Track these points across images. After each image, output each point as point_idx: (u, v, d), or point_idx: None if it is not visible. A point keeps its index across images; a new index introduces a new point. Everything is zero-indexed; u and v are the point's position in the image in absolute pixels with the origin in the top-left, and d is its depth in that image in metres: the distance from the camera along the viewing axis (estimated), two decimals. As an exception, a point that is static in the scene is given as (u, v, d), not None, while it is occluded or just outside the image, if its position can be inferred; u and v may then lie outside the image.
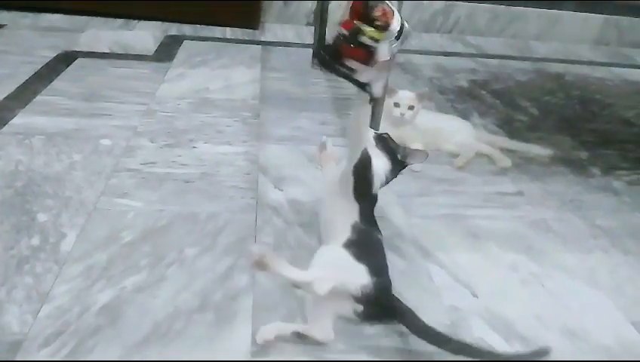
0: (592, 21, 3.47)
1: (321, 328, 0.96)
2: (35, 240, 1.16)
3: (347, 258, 0.99)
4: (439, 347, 0.93)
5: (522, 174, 1.68)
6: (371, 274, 0.97)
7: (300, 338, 0.96)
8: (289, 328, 0.96)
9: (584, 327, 1.08)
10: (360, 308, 0.96)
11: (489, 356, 0.94)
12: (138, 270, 1.10)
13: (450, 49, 3.05)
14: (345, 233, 1.04)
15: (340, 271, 0.97)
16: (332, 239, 1.05)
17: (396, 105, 1.65)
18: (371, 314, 0.96)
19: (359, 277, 0.97)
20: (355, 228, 1.05)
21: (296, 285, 0.97)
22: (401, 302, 0.98)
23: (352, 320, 0.97)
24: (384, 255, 1.06)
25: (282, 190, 1.45)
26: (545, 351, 0.93)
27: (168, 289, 1.06)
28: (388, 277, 1.02)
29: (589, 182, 1.69)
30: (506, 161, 1.71)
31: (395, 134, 1.67)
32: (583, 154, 1.88)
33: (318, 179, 1.50)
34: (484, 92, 2.39)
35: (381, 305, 0.97)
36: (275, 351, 0.95)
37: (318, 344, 0.96)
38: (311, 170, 1.57)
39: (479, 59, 2.91)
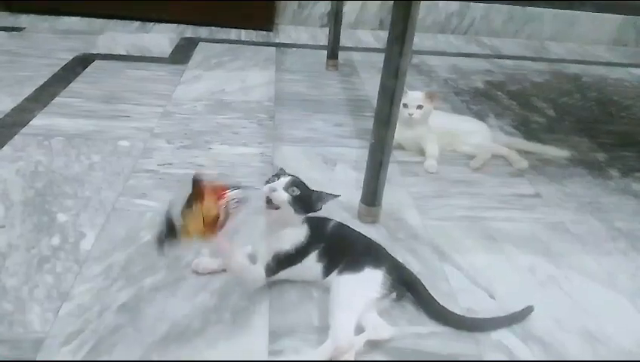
0: (610, 21, 3.43)
1: (381, 327, 0.99)
2: (56, 240, 1.18)
3: (348, 285, 1.02)
4: (439, 321, 1.04)
5: (539, 176, 1.67)
6: (375, 266, 1.04)
7: (371, 344, 0.97)
8: (360, 342, 0.96)
9: (603, 330, 1.07)
10: (393, 295, 1.04)
11: (481, 322, 1.05)
12: (156, 270, 1.11)
13: (466, 50, 3.03)
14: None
15: (354, 304, 0.99)
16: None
17: (405, 105, 1.63)
18: (402, 291, 1.07)
19: (372, 282, 1.02)
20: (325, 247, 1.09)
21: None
22: (411, 272, 1.10)
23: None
24: (356, 236, 1.13)
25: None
26: (529, 310, 1.07)
27: (186, 289, 1.07)
28: (383, 251, 1.11)
29: (608, 184, 1.67)
30: (523, 163, 1.70)
31: (410, 136, 1.69)
32: (601, 156, 1.86)
33: (333, 181, 1.52)
34: (499, 93, 2.38)
35: (405, 281, 1.07)
36: (291, 351, 0.95)
37: (386, 341, 0.98)
38: (326, 171, 1.57)
39: (495, 60, 2.89)
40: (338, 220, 1.16)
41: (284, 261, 1.04)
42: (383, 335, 0.98)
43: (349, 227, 1.16)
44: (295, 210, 1.03)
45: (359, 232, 1.16)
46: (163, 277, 1.09)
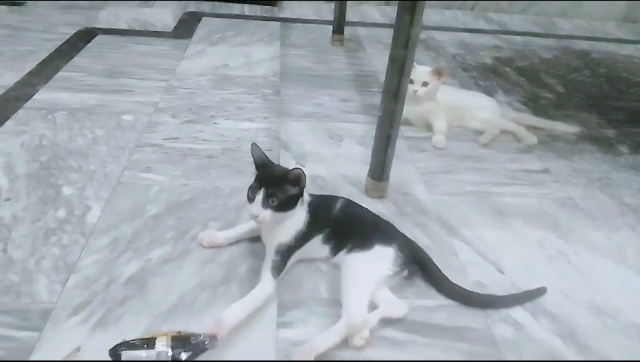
0: (619, -2, 3.36)
1: (395, 304, 0.99)
2: (61, 213, 1.17)
3: (359, 263, 1.01)
4: (451, 299, 1.03)
5: (548, 152, 1.65)
6: (386, 244, 1.03)
7: (385, 321, 0.97)
8: (374, 319, 0.95)
9: (612, 304, 1.06)
10: (405, 272, 1.03)
11: (493, 299, 1.05)
12: (163, 242, 1.11)
13: (473, 26, 2.98)
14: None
15: (365, 281, 0.98)
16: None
17: (411, 81, 1.54)
18: (413, 268, 1.06)
19: (383, 260, 1.01)
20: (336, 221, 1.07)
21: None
22: (422, 250, 1.09)
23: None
24: (363, 214, 1.12)
25: (304, 166, 1.44)
26: (543, 291, 1.07)
27: (193, 262, 1.06)
28: (394, 229, 1.10)
29: (617, 160, 1.65)
30: (532, 139, 1.68)
31: (417, 111, 1.66)
32: (611, 132, 1.84)
33: (339, 156, 1.50)
34: (508, 69, 2.34)
35: (415, 258, 1.06)
36: (299, 322, 0.95)
37: (400, 319, 0.98)
38: (333, 146, 1.55)
39: (503, 36, 2.85)
40: (346, 197, 1.14)
41: (286, 253, 1.02)
42: (398, 313, 0.97)
43: (357, 205, 1.15)
44: (283, 211, 0.99)
45: (368, 210, 1.14)
46: (170, 250, 1.09)
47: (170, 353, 0.80)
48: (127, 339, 0.83)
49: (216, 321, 0.87)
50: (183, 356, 0.81)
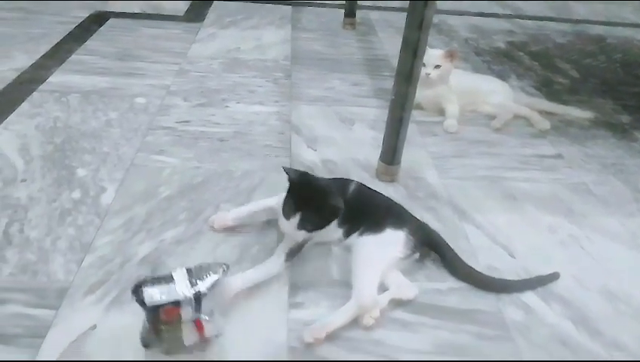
0: (637, -19, 3.29)
1: (406, 286, 0.99)
2: (76, 194, 1.18)
3: (370, 246, 1.02)
4: (465, 282, 1.04)
5: (561, 137, 1.63)
6: (397, 227, 1.03)
7: (395, 303, 0.97)
8: (385, 300, 0.96)
9: (625, 289, 1.06)
10: (416, 255, 1.04)
11: (507, 284, 1.05)
12: (176, 223, 1.12)
13: (486, 10, 2.94)
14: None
15: (376, 263, 0.99)
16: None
17: (423, 64, 1.49)
18: (425, 251, 1.07)
19: (394, 243, 1.02)
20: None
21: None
22: (437, 234, 1.10)
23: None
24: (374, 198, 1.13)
25: (316, 150, 1.44)
26: (556, 276, 1.07)
27: (207, 243, 1.07)
28: (406, 212, 1.11)
29: (632, 146, 1.63)
30: (545, 124, 1.66)
31: (429, 95, 1.65)
32: (625, 118, 1.81)
33: (351, 140, 1.50)
34: (521, 54, 2.31)
35: (429, 241, 1.07)
36: (311, 303, 0.96)
37: (409, 301, 0.98)
38: (344, 130, 1.55)
39: (516, 20, 2.81)
40: (358, 181, 1.14)
41: (303, 242, 1.03)
42: (408, 295, 0.98)
43: (369, 188, 1.15)
44: (316, 231, 0.99)
45: (380, 193, 1.15)
46: (183, 231, 1.10)
47: (189, 285, 0.81)
48: (144, 278, 0.82)
49: (225, 285, 0.89)
50: (202, 286, 0.81)
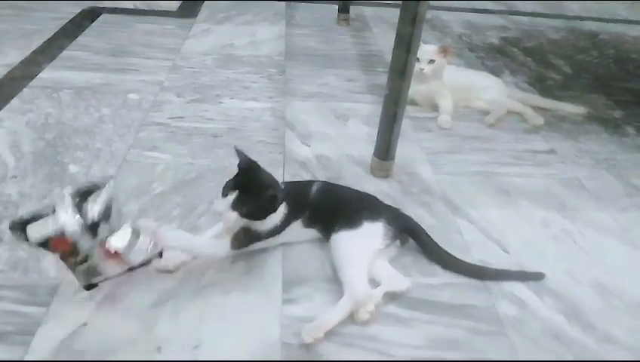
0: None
1: (397, 279, 0.99)
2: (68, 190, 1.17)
3: (349, 241, 1.01)
4: (444, 267, 1.05)
5: (554, 132, 1.64)
6: (373, 219, 1.03)
7: (389, 296, 0.97)
8: (379, 294, 0.96)
9: (617, 284, 1.06)
10: (397, 242, 1.05)
11: (479, 270, 1.05)
12: (170, 220, 1.11)
13: (480, 6, 2.95)
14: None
15: (358, 257, 0.98)
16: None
17: (417, 60, 1.51)
18: (404, 238, 1.08)
19: (374, 235, 1.02)
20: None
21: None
22: (412, 219, 1.10)
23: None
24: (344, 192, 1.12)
25: (309, 145, 1.44)
26: (540, 276, 1.06)
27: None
28: (379, 203, 1.11)
29: (624, 141, 1.64)
30: (538, 119, 1.66)
31: (423, 91, 1.65)
32: (618, 113, 1.82)
33: (345, 136, 1.50)
34: (515, 50, 2.32)
35: (405, 228, 1.08)
36: (304, 298, 0.95)
37: (403, 292, 0.98)
38: (338, 126, 1.55)
39: (510, 16, 2.81)
40: (323, 180, 1.14)
41: (253, 238, 1.01)
42: (401, 287, 0.98)
43: (336, 185, 1.15)
44: (249, 219, 0.98)
45: (349, 188, 1.15)
46: (177, 227, 1.09)
47: (73, 212, 0.75)
48: (19, 216, 0.77)
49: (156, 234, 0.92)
50: (95, 208, 0.76)
